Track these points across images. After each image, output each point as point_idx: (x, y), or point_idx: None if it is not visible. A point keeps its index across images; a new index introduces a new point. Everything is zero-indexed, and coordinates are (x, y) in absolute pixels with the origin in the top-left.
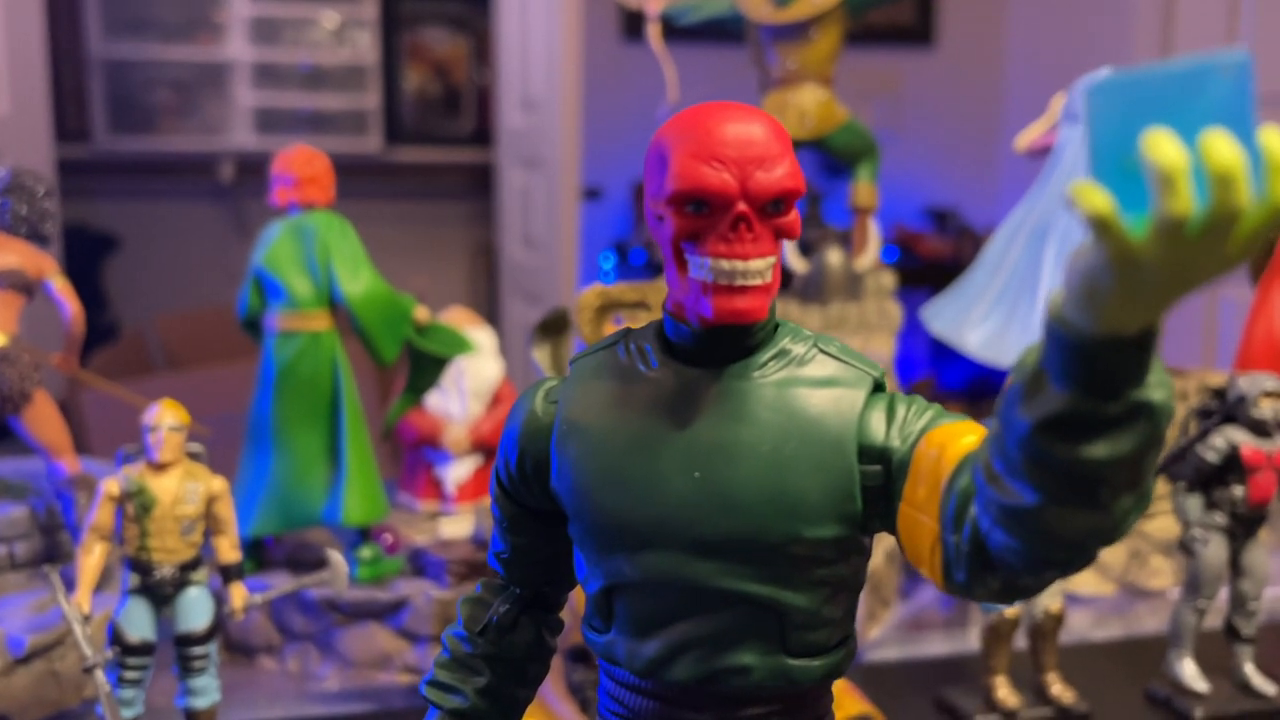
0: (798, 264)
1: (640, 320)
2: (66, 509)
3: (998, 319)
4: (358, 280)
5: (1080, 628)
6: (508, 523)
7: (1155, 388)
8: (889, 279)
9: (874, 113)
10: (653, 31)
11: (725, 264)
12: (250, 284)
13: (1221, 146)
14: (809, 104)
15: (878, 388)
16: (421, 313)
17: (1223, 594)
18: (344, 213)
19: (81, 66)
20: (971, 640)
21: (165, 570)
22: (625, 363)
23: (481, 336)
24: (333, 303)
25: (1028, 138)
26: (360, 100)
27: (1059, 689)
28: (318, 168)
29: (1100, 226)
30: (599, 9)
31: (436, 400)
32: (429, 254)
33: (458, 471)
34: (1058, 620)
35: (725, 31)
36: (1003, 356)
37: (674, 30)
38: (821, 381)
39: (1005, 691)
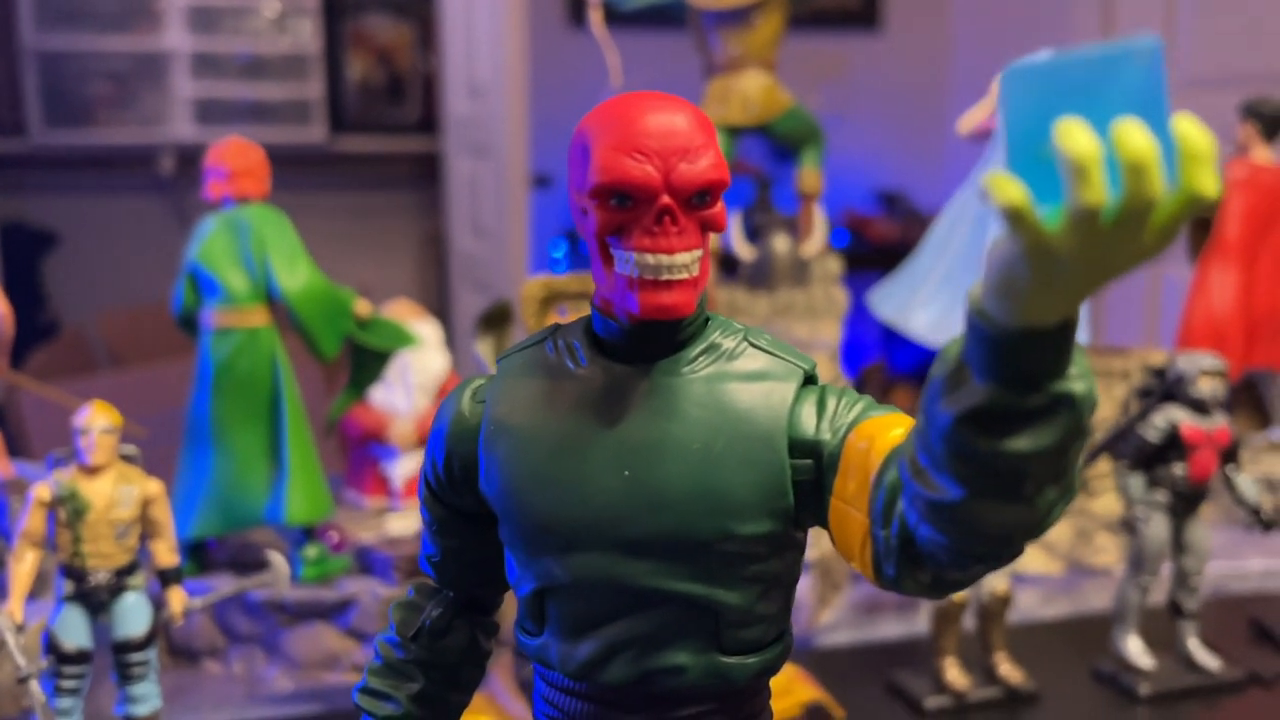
0: (744, 251)
1: (584, 310)
2: (0, 515)
3: (943, 301)
4: (295, 274)
5: (1028, 606)
6: (437, 525)
7: (1076, 379)
8: (835, 264)
9: (821, 97)
10: (595, 17)
11: (650, 258)
12: (185, 280)
13: (1134, 135)
14: (753, 90)
15: (809, 380)
16: (362, 306)
17: (1165, 571)
18: (288, 205)
19: (14, 59)
20: (921, 623)
21: (101, 576)
22: (553, 360)
23: (426, 329)
24: (270, 298)
25: (970, 121)
26: (303, 90)
27: (1007, 669)
28: (252, 159)
29: (1014, 218)
30: None
31: (382, 395)
32: (376, 245)
33: (404, 467)
34: (1005, 602)
35: (668, 17)
36: (949, 337)
37: (616, 16)
38: (751, 375)
39: (955, 673)
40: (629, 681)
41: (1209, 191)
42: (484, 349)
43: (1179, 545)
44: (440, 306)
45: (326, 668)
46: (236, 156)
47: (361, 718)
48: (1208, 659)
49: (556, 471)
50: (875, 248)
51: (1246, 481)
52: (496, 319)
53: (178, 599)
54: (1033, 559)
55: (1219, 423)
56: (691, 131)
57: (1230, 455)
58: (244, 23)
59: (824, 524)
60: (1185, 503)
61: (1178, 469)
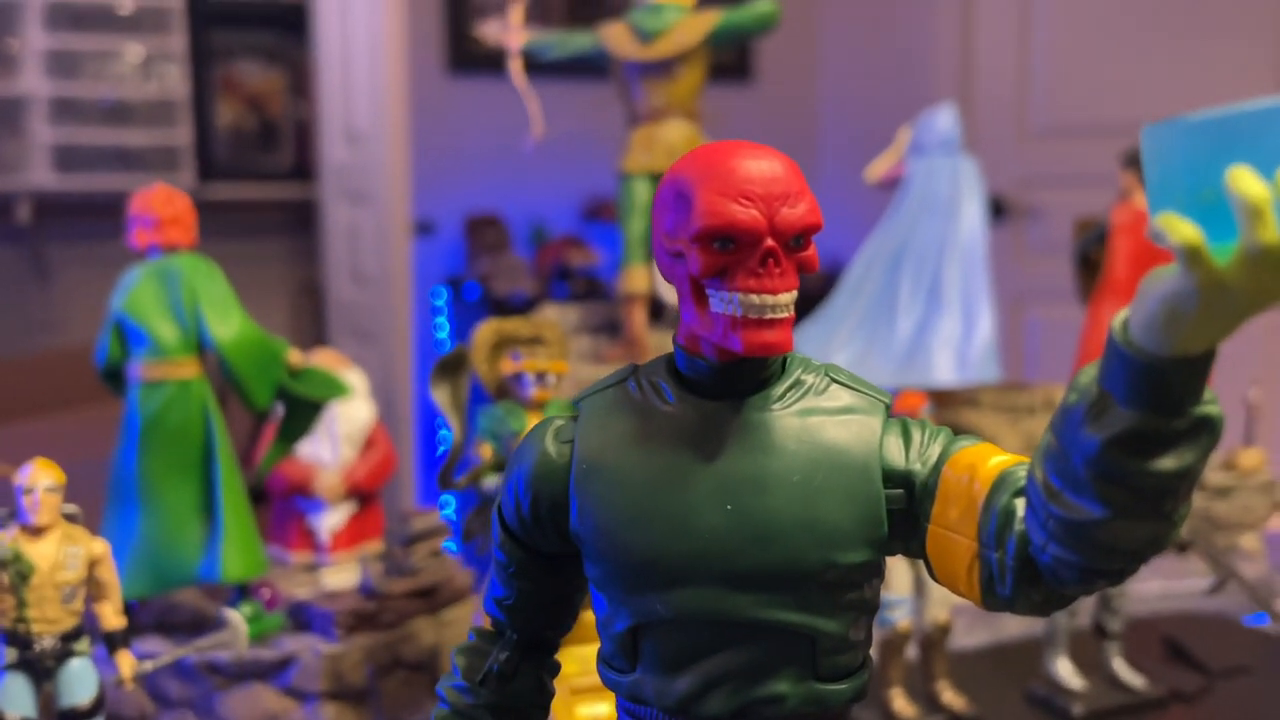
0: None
1: (537, 354)
2: None
3: (859, 343)
4: (228, 324)
5: (951, 636)
6: (514, 568)
7: (1211, 403)
8: None
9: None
10: (515, 67)
11: (755, 298)
12: (110, 332)
13: None
14: (676, 139)
15: (889, 411)
16: (295, 356)
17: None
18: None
19: None
20: None
21: (46, 642)
22: (639, 399)
23: (353, 378)
24: (201, 348)
25: (878, 170)
26: (170, 136)
27: (950, 696)
28: (179, 207)
29: (1190, 255)
30: (422, 41)
31: (307, 447)
32: (249, 294)
33: (331, 519)
34: (945, 631)
35: (588, 67)
36: (867, 377)
37: (537, 65)
38: (840, 410)
39: (902, 702)
40: (729, 713)
41: None
42: (439, 395)
43: None
44: None
45: None
46: (164, 205)
47: None
48: (1133, 678)
49: (658, 507)
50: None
51: None
52: (452, 366)
53: (127, 663)
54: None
55: None
56: (790, 177)
57: None
58: (107, 67)
59: (916, 552)
60: None
61: None
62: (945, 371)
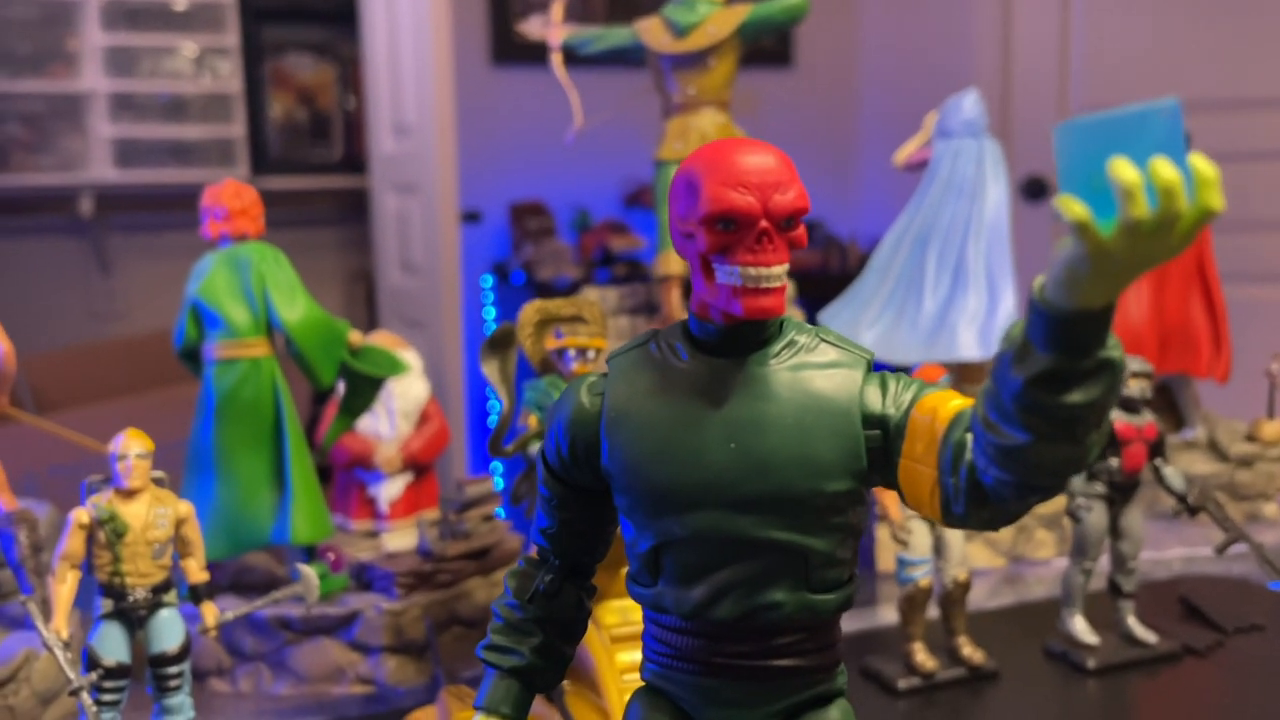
0: None
1: (579, 331)
2: (6, 546)
3: (888, 320)
4: (295, 307)
5: (976, 598)
6: (556, 501)
7: (1114, 348)
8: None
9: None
10: (556, 60)
11: (753, 271)
12: (187, 315)
13: (1166, 168)
14: (709, 127)
15: (870, 366)
16: (355, 336)
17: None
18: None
19: None
20: (886, 615)
21: (138, 594)
22: (659, 357)
23: (409, 357)
24: (270, 329)
25: (905, 153)
26: (225, 130)
27: (969, 650)
28: (247, 200)
29: (1080, 229)
30: (468, 33)
31: (367, 421)
32: (304, 282)
33: (390, 489)
34: (965, 588)
35: (626, 60)
36: (894, 353)
37: (576, 59)
38: (827, 364)
39: (923, 656)
40: (735, 618)
41: (1217, 207)
42: (489, 370)
43: (1116, 532)
44: None
45: (332, 681)
46: (233, 198)
47: (486, 671)
48: (1146, 634)
49: (674, 446)
50: (795, 274)
51: (1172, 472)
52: (500, 342)
53: (211, 613)
54: (978, 554)
55: (1147, 419)
56: (781, 169)
57: (1158, 449)
58: (163, 63)
59: (890, 482)
60: (1121, 493)
61: (1113, 462)
62: (969, 347)
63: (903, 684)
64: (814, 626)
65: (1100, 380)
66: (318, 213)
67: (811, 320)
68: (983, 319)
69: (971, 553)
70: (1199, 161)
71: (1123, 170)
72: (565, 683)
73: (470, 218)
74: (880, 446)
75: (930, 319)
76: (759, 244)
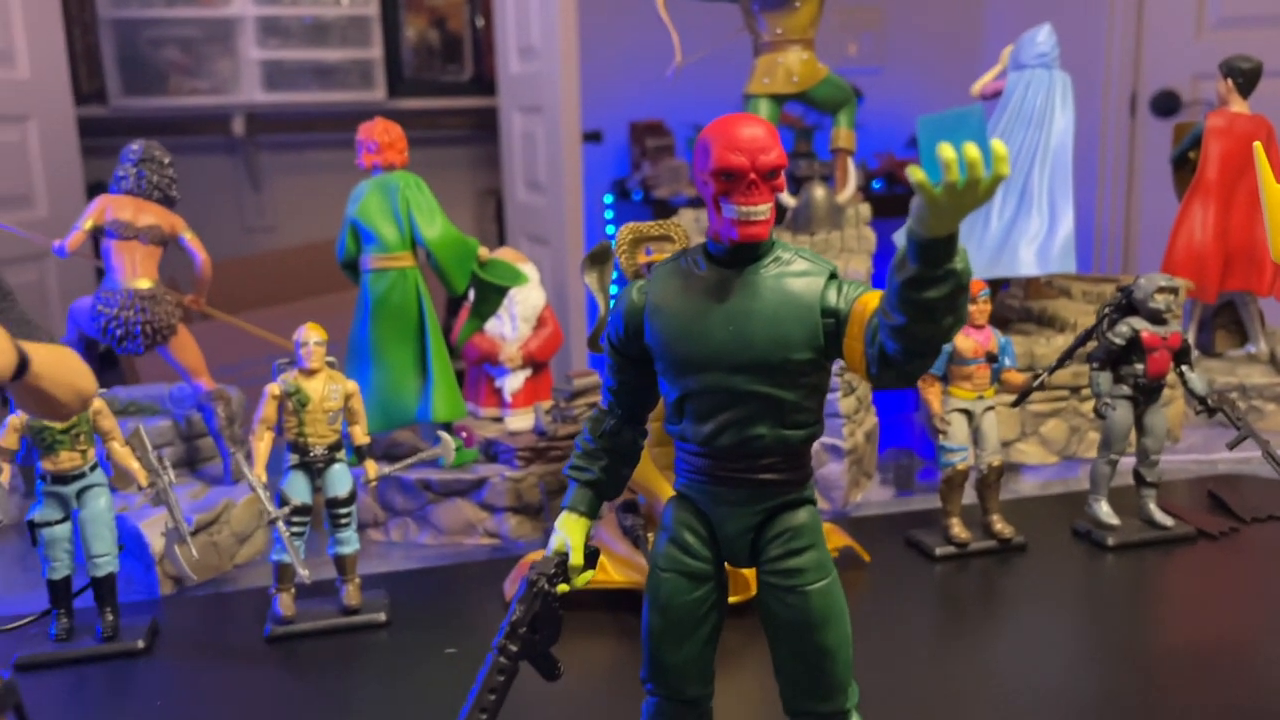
0: (788, 200)
1: (665, 249)
2: (209, 419)
3: None
4: (434, 226)
5: (1028, 488)
6: (617, 367)
7: (959, 260)
8: (866, 210)
9: (860, 49)
10: (659, 2)
11: (745, 209)
12: (347, 232)
13: (971, 149)
14: (794, 64)
15: (833, 276)
16: (484, 251)
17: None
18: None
19: (92, 29)
20: (932, 500)
21: (317, 450)
22: (686, 267)
23: (529, 269)
24: (414, 245)
25: (981, 84)
26: (363, 52)
27: (1000, 525)
28: (394, 135)
29: (920, 187)
30: None
31: (493, 325)
32: (438, 199)
33: (513, 382)
34: (999, 472)
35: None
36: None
37: None
38: (800, 273)
39: (959, 529)
40: (732, 445)
41: (1006, 174)
42: (590, 279)
43: (1140, 428)
44: None
45: (465, 534)
46: (382, 134)
47: (569, 484)
48: (1164, 518)
49: (692, 329)
50: (910, 192)
51: (1195, 377)
52: (599, 257)
53: (372, 468)
54: (1033, 452)
55: (1173, 329)
56: (767, 136)
57: (1183, 356)
58: None
59: (840, 355)
60: (1145, 394)
61: (1138, 367)
62: (1028, 265)
63: (939, 551)
64: (787, 453)
65: (948, 282)
66: (450, 132)
67: (886, 240)
68: (1042, 239)
69: (1028, 451)
70: (996, 144)
71: (944, 150)
72: (644, 528)
73: (592, 137)
74: (834, 330)
75: (995, 239)
76: (749, 190)
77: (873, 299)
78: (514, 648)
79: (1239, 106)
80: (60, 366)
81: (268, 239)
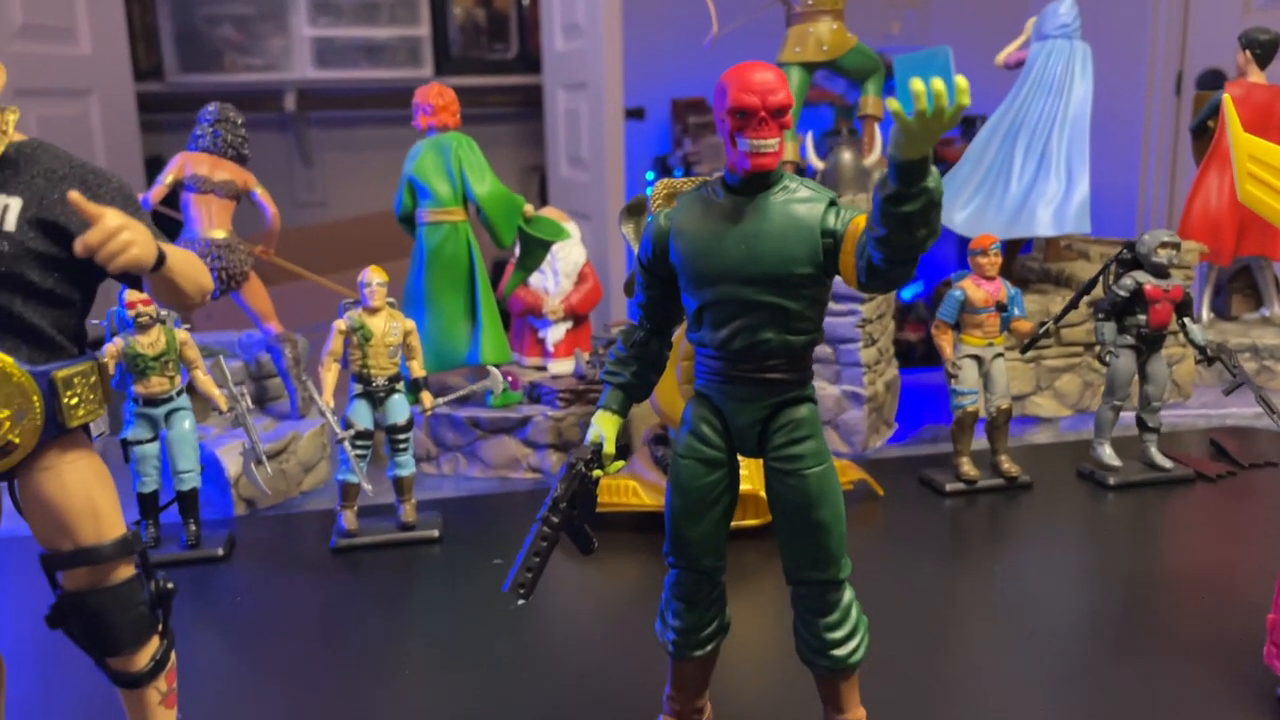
0: (816, 162)
1: None
2: (277, 359)
3: (979, 202)
4: (484, 184)
5: (1042, 437)
6: (645, 284)
7: (931, 179)
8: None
9: (903, 26)
10: None
11: (756, 142)
12: (405, 188)
13: (938, 83)
14: (825, 33)
15: (832, 203)
16: (529, 208)
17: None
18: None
19: (150, 6)
20: (945, 446)
21: (379, 381)
22: (706, 195)
23: (570, 227)
24: (466, 200)
25: (1005, 53)
26: (412, 30)
27: (1008, 465)
28: (448, 98)
29: (896, 115)
30: None
31: (536, 279)
32: None
33: (555, 333)
34: (1007, 414)
35: None
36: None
37: None
38: (804, 200)
39: (968, 467)
40: (743, 348)
41: (967, 103)
42: (627, 229)
43: (1144, 376)
44: None
45: (510, 468)
46: (437, 96)
47: (604, 386)
48: (1164, 461)
49: (710, 248)
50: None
51: (1195, 328)
52: (635, 209)
53: (428, 399)
54: (1047, 404)
55: (1175, 283)
56: (776, 80)
57: (1184, 309)
58: None
59: (837, 270)
60: (1148, 344)
61: (1141, 318)
62: (1045, 225)
63: (950, 488)
64: (791, 355)
65: (921, 198)
66: (495, 109)
67: None
68: (1059, 202)
69: (1043, 403)
70: (960, 79)
71: (914, 84)
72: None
73: (635, 114)
74: (832, 248)
75: (1014, 201)
76: (760, 126)
77: (864, 221)
78: (555, 519)
79: (1256, 77)
80: (188, 264)
81: (319, 213)
